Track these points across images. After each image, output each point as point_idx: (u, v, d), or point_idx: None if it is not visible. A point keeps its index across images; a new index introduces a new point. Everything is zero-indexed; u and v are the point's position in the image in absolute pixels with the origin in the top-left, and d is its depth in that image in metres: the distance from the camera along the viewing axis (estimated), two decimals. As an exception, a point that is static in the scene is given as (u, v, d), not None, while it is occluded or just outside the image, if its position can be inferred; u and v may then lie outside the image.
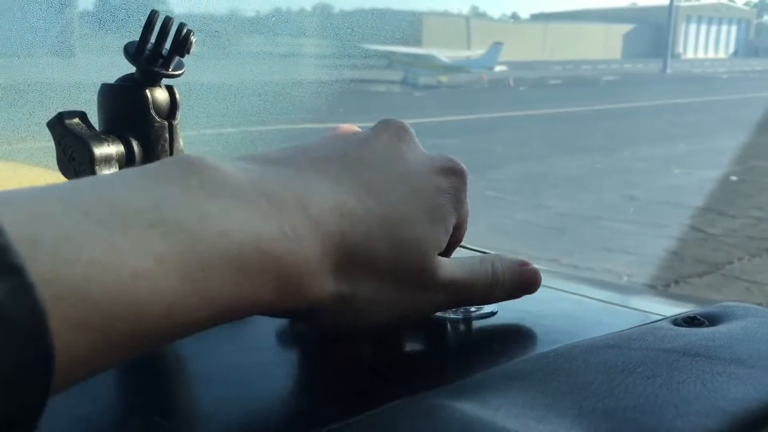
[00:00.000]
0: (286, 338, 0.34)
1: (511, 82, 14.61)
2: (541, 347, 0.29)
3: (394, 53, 14.44)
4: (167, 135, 0.36)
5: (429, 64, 14.61)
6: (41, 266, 0.18)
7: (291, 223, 0.24)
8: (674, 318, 0.32)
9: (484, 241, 0.41)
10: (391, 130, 0.31)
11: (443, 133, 6.67)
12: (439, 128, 6.78)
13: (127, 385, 0.29)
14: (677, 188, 4.93)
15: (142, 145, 0.36)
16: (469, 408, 0.22)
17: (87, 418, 0.25)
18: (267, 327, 0.35)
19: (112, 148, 0.35)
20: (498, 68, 16.18)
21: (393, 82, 13.21)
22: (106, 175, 0.25)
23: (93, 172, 0.34)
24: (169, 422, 0.25)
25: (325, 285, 0.26)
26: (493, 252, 0.35)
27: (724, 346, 0.29)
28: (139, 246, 0.20)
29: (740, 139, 6.95)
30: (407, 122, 0.32)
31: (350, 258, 0.26)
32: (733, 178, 5.34)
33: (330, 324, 0.30)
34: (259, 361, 0.32)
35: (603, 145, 6.70)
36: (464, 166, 0.32)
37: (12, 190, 0.20)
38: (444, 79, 14.59)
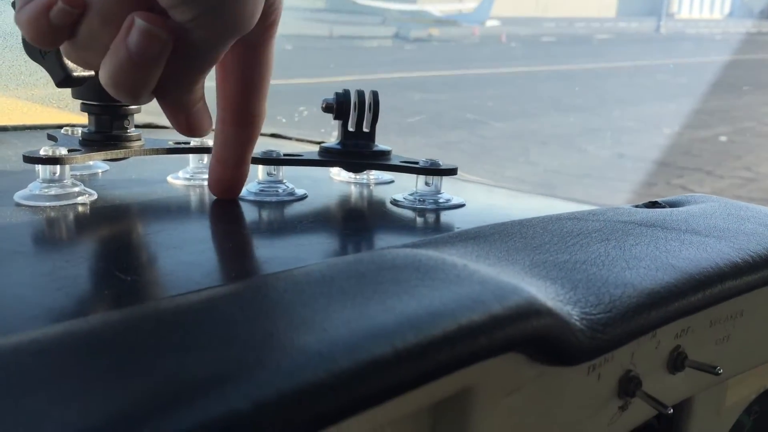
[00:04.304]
0: (254, 218, 0.34)
1: (503, 38, 14.44)
2: (503, 224, 0.29)
3: (388, 10, 14.30)
4: (135, 20, 0.36)
5: (421, 18, 14.46)
6: None
7: None
8: (636, 204, 0.33)
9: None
10: None
11: (433, 88, 6.61)
12: (428, 83, 6.72)
13: (93, 250, 0.29)
14: (666, 148, 4.93)
15: (109, 29, 0.35)
16: (424, 253, 0.23)
17: (49, 273, 0.25)
18: (230, 210, 0.35)
19: (78, 30, 0.34)
20: (490, 23, 15.98)
21: (385, 37, 13.07)
22: None
23: (59, 54, 0.34)
24: (130, 277, 0.25)
25: None
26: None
27: (680, 220, 0.29)
28: None
29: (731, 101, 6.94)
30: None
31: None
32: (723, 138, 5.35)
33: None
34: (222, 233, 0.32)
35: (594, 104, 6.67)
36: None
37: None
38: (435, 32, 14.41)
